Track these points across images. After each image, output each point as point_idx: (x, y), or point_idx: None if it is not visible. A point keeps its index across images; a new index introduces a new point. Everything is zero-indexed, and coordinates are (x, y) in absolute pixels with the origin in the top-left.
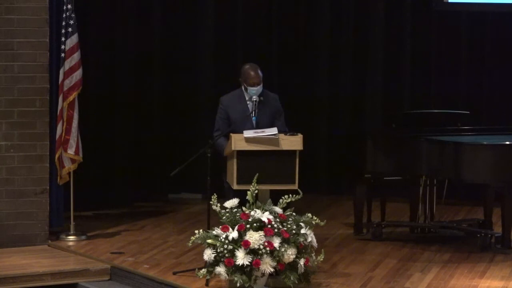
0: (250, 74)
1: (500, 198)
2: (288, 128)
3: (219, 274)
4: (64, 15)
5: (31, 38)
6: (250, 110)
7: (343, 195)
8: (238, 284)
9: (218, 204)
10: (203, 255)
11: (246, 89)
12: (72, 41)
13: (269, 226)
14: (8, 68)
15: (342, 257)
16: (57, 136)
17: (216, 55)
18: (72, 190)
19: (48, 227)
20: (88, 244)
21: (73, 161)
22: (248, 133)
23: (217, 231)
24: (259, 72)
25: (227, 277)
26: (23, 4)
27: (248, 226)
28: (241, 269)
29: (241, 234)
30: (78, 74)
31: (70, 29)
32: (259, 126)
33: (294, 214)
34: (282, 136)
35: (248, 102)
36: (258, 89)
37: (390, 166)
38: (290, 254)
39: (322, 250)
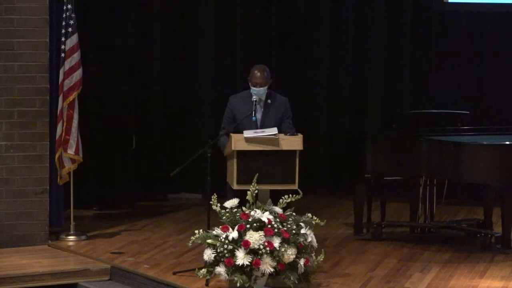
0: (255, 74)
1: (500, 198)
2: (295, 130)
3: (219, 274)
4: (64, 15)
5: (31, 38)
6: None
7: (343, 195)
8: (238, 284)
9: (218, 204)
10: (203, 255)
11: None
12: (72, 41)
13: (269, 226)
14: (8, 68)
15: (342, 257)
16: (57, 136)
17: (216, 55)
18: (72, 190)
19: (48, 227)
20: (88, 244)
21: (73, 161)
22: (248, 133)
23: (217, 231)
24: (265, 74)
25: (227, 277)
26: (23, 4)
27: (248, 226)
28: (241, 269)
29: (241, 234)
30: (78, 74)
31: (70, 29)
32: (264, 128)
33: (294, 214)
34: (282, 136)
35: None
36: (260, 89)
37: (390, 166)
38: (290, 254)
39: (322, 250)
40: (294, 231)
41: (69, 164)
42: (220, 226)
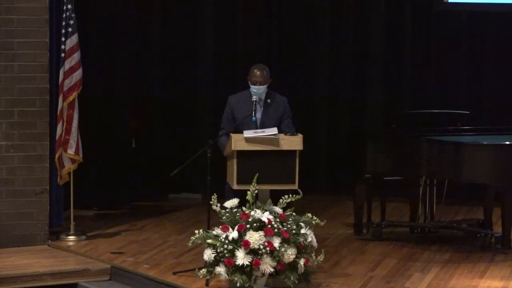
0: (254, 72)
1: (500, 198)
2: (294, 130)
3: (219, 274)
4: (64, 15)
5: (31, 38)
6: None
7: (343, 195)
8: (238, 284)
9: (218, 204)
10: (203, 255)
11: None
12: (72, 41)
13: (269, 226)
14: (8, 68)
15: (342, 257)
16: (57, 136)
17: (216, 55)
18: (72, 190)
19: (48, 227)
20: (88, 244)
21: (73, 161)
22: (248, 133)
23: (217, 231)
24: (265, 72)
25: (227, 277)
26: (23, 4)
27: (248, 226)
28: (241, 269)
29: (241, 234)
30: (78, 74)
31: (70, 29)
32: (263, 128)
33: (294, 214)
34: (282, 136)
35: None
36: (259, 88)
37: (390, 166)
38: (290, 254)
39: (322, 250)
40: (294, 231)
41: (69, 164)
42: (220, 226)
